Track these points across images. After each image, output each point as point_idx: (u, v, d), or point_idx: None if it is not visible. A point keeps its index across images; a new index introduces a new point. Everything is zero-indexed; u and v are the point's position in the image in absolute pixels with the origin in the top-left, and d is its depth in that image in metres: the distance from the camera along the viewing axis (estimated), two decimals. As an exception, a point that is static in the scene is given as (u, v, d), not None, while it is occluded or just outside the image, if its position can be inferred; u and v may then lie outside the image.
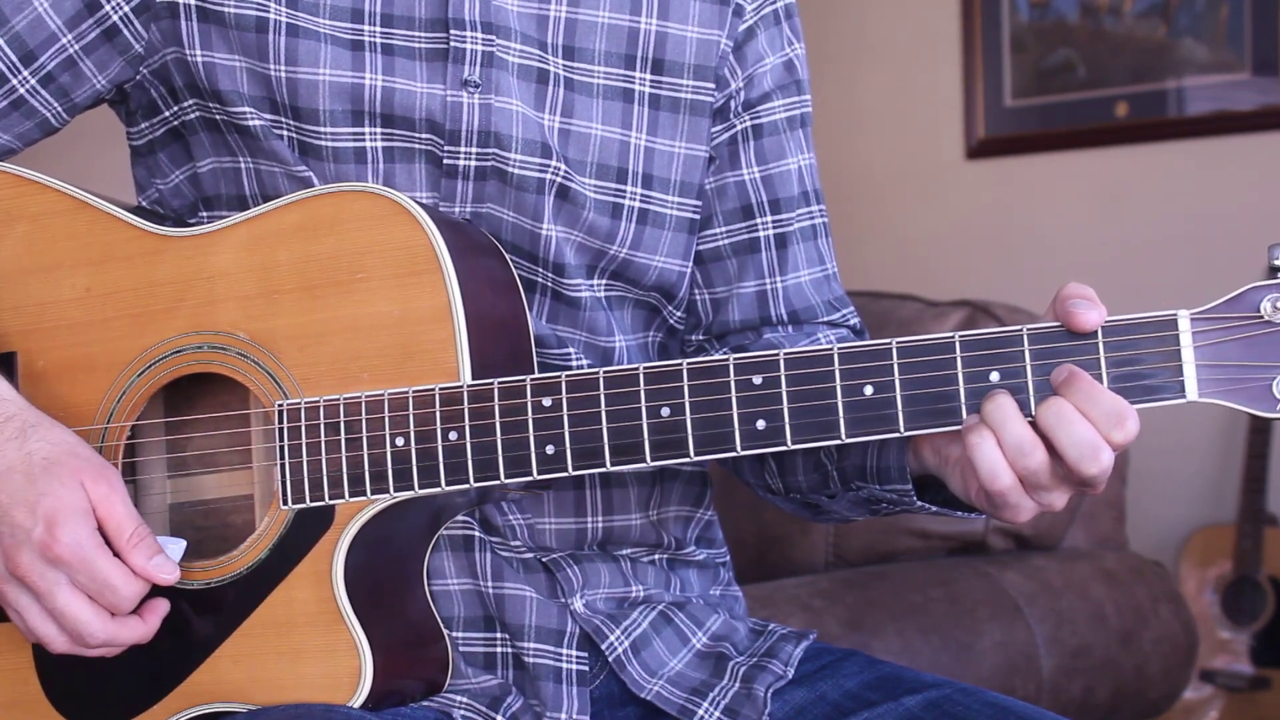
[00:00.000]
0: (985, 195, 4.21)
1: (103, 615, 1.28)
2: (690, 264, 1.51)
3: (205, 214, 1.44)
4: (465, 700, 1.37)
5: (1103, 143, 4.03)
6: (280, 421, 1.31)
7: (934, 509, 1.32)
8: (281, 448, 1.31)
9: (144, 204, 1.51)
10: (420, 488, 1.28)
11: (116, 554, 1.28)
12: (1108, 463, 1.16)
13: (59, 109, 1.46)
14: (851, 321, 1.55)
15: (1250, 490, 3.68)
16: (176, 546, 1.32)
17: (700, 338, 1.54)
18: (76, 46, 1.42)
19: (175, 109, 1.44)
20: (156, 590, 1.31)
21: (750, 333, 1.52)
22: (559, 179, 1.41)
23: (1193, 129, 3.92)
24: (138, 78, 1.44)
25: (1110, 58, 4.02)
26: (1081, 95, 4.06)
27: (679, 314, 1.52)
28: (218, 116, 1.40)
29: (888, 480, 1.31)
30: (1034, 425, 1.17)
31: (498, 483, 1.27)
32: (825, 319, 1.53)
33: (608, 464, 1.25)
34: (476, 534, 1.41)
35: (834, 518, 1.49)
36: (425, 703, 1.37)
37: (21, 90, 1.43)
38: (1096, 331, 1.17)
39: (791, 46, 1.54)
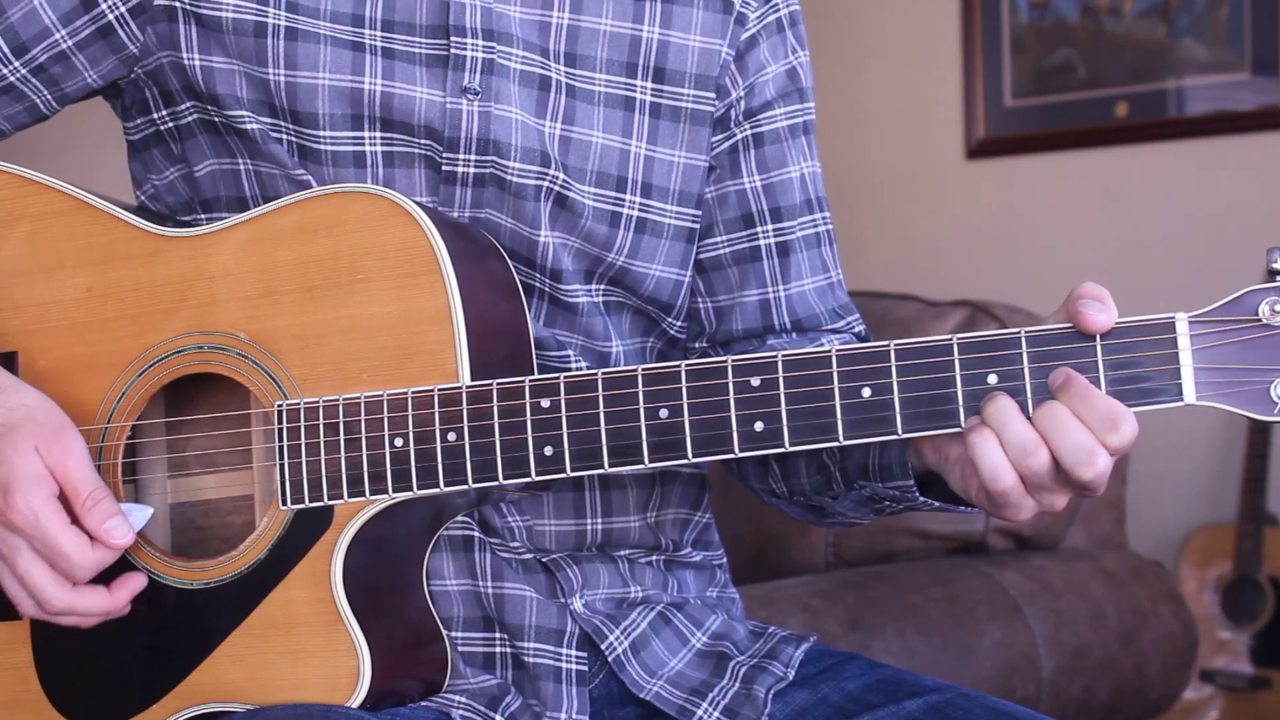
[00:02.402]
0: (985, 195, 4.21)
1: (61, 583, 1.29)
2: (688, 273, 1.51)
3: (204, 216, 1.44)
4: (464, 700, 1.37)
5: (1103, 143, 4.02)
6: (279, 422, 1.31)
7: (937, 505, 1.32)
8: (280, 448, 1.31)
9: (141, 198, 1.51)
10: (419, 489, 1.28)
11: (77, 517, 1.29)
12: (1104, 467, 1.16)
13: (49, 97, 1.46)
14: (856, 329, 1.55)
15: (1250, 490, 3.67)
16: (141, 513, 1.32)
17: (703, 345, 1.54)
18: (70, 42, 1.42)
19: (168, 112, 1.44)
20: (119, 568, 1.31)
21: (754, 340, 1.52)
22: (556, 187, 1.41)
23: (1193, 129, 3.91)
24: (132, 76, 1.44)
25: (1110, 58, 4.02)
26: (1081, 95, 4.06)
27: (679, 324, 1.52)
28: (216, 119, 1.41)
29: (890, 477, 1.31)
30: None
31: (496, 484, 1.27)
32: (829, 327, 1.53)
33: (606, 465, 1.25)
34: (476, 534, 1.41)
35: (839, 521, 1.49)
36: (424, 703, 1.37)
37: (12, 79, 1.44)
38: (1095, 334, 1.17)
39: (795, 54, 1.53)
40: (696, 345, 1.54)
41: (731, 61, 1.49)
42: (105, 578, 1.31)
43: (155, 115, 1.45)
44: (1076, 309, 1.17)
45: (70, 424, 1.31)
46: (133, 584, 1.32)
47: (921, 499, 1.31)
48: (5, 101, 1.46)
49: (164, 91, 1.43)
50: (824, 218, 1.54)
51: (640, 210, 1.46)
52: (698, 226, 1.50)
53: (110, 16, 1.41)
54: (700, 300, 1.53)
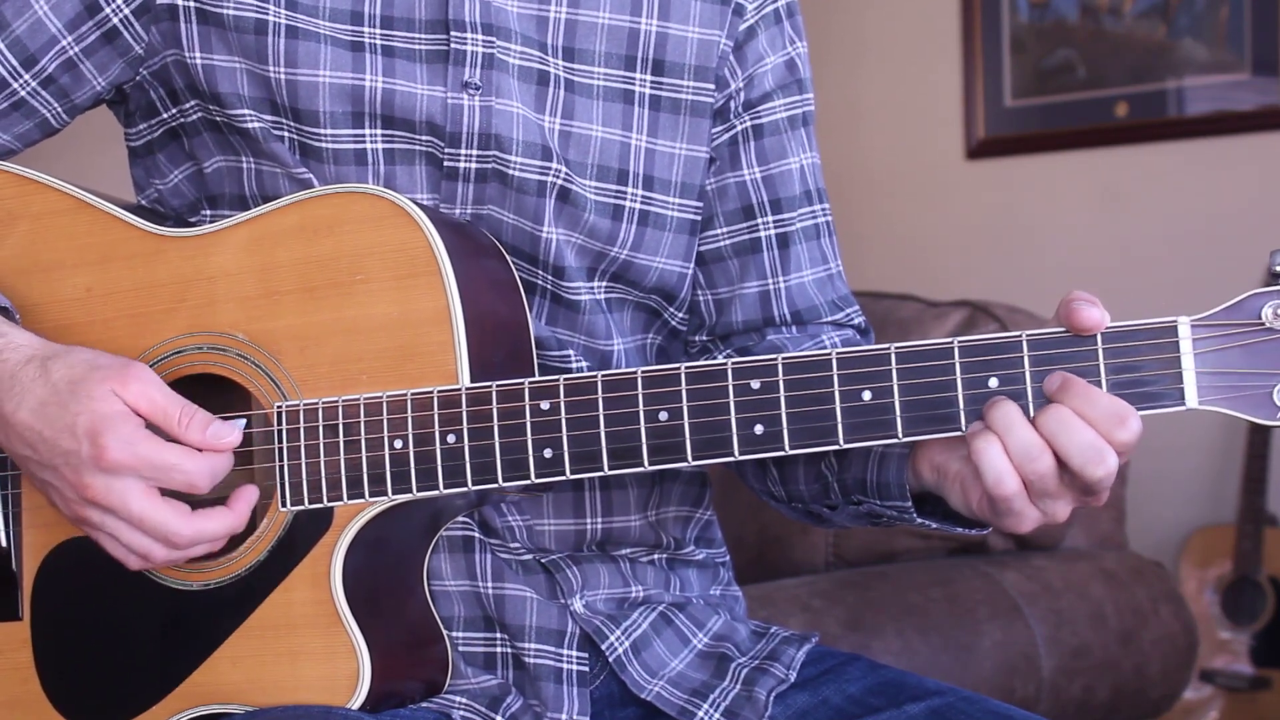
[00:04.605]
0: (985, 195, 4.21)
1: (181, 511, 1.26)
2: (691, 265, 1.51)
3: (209, 212, 1.44)
4: (464, 701, 1.37)
5: (1103, 143, 4.02)
6: (279, 424, 1.31)
7: (934, 525, 1.33)
8: (280, 450, 1.31)
9: (144, 204, 1.51)
10: (418, 490, 1.28)
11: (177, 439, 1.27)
12: (1113, 465, 1.16)
13: (59, 109, 1.46)
14: (856, 321, 1.55)
15: (1250, 490, 3.67)
16: (235, 424, 1.31)
17: (704, 338, 1.54)
18: (77, 49, 1.42)
19: (175, 110, 1.44)
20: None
21: (754, 333, 1.52)
22: (560, 181, 1.41)
23: (1193, 129, 3.91)
24: (137, 78, 1.44)
25: (1110, 58, 4.02)
26: (1081, 95, 4.06)
27: (681, 315, 1.52)
28: (218, 119, 1.41)
29: (888, 496, 1.32)
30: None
31: (495, 486, 1.27)
32: (829, 319, 1.53)
33: (605, 468, 1.25)
34: (476, 535, 1.41)
35: (836, 525, 1.49)
36: (424, 704, 1.37)
37: (22, 93, 1.43)
38: (1096, 338, 1.17)
39: (793, 45, 1.54)
40: (697, 339, 1.55)
41: (730, 52, 1.49)
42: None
43: (165, 114, 1.45)
44: (1069, 309, 1.17)
45: (133, 360, 1.30)
46: (249, 495, 1.30)
47: (919, 520, 1.32)
48: (17, 118, 1.45)
49: (170, 91, 1.43)
50: (823, 209, 1.55)
51: (642, 203, 1.46)
52: (699, 218, 1.50)
53: (115, 20, 1.41)
54: (700, 293, 1.53)
